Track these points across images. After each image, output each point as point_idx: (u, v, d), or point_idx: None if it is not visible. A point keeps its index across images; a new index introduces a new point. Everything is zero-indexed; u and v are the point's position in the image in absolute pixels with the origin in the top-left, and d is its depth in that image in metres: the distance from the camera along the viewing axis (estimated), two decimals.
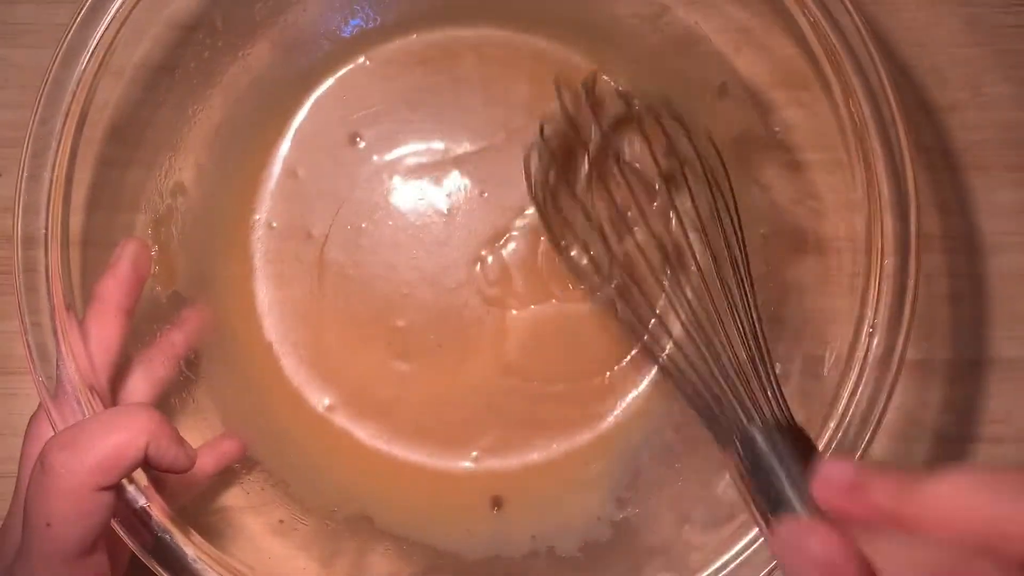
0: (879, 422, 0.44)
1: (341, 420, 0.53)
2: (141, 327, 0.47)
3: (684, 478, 0.53)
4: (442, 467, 0.53)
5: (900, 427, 0.50)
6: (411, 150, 0.53)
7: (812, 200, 0.48)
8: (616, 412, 0.54)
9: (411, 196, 0.53)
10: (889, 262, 0.45)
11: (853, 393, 0.46)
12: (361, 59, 0.53)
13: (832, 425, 0.46)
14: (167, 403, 0.49)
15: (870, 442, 0.44)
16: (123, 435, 0.38)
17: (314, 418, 0.53)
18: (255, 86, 0.52)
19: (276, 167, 0.53)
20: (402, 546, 0.53)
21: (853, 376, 0.45)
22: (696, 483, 0.53)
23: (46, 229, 0.44)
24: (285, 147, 0.53)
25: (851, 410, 0.45)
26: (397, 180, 0.53)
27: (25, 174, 0.44)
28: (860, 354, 0.46)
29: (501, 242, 0.53)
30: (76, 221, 0.45)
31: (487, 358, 0.53)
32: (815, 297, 0.49)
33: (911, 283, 0.44)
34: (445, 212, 0.53)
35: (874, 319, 0.45)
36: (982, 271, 0.49)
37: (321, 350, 0.53)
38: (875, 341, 0.45)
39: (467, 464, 0.53)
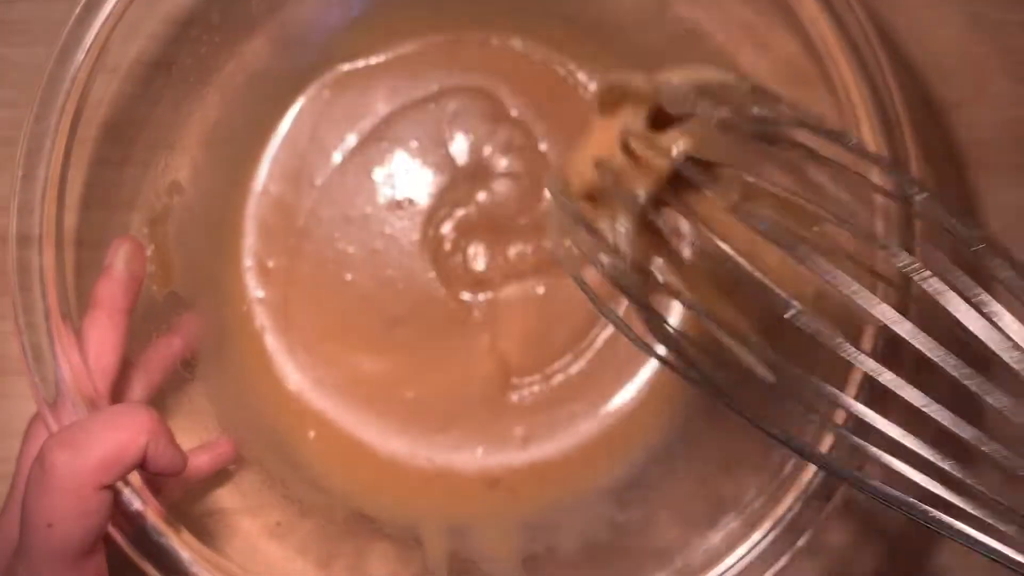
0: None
1: (336, 420, 0.53)
2: (137, 328, 0.47)
3: (685, 478, 0.53)
4: (442, 467, 0.53)
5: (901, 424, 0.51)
6: (408, 145, 0.53)
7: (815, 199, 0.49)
8: (618, 410, 0.53)
9: (411, 191, 0.53)
10: (893, 260, 0.45)
11: (860, 389, 0.46)
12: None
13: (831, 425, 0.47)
14: (163, 403, 0.49)
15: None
16: (125, 433, 0.38)
17: (310, 418, 0.53)
18: (252, 83, 0.52)
19: (273, 165, 0.53)
20: (400, 547, 0.52)
21: (858, 374, 0.46)
22: (697, 483, 0.52)
23: (41, 228, 0.44)
24: (282, 144, 0.53)
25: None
26: (395, 175, 0.53)
27: (20, 173, 0.43)
28: (865, 350, 0.46)
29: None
30: (71, 220, 0.45)
31: (482, 350, 0.53)
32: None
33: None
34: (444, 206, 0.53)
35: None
36: None
37: (315, 348, 0.53)
38: (879, 338, 0.46)
39: (467, 462, 0.53)
